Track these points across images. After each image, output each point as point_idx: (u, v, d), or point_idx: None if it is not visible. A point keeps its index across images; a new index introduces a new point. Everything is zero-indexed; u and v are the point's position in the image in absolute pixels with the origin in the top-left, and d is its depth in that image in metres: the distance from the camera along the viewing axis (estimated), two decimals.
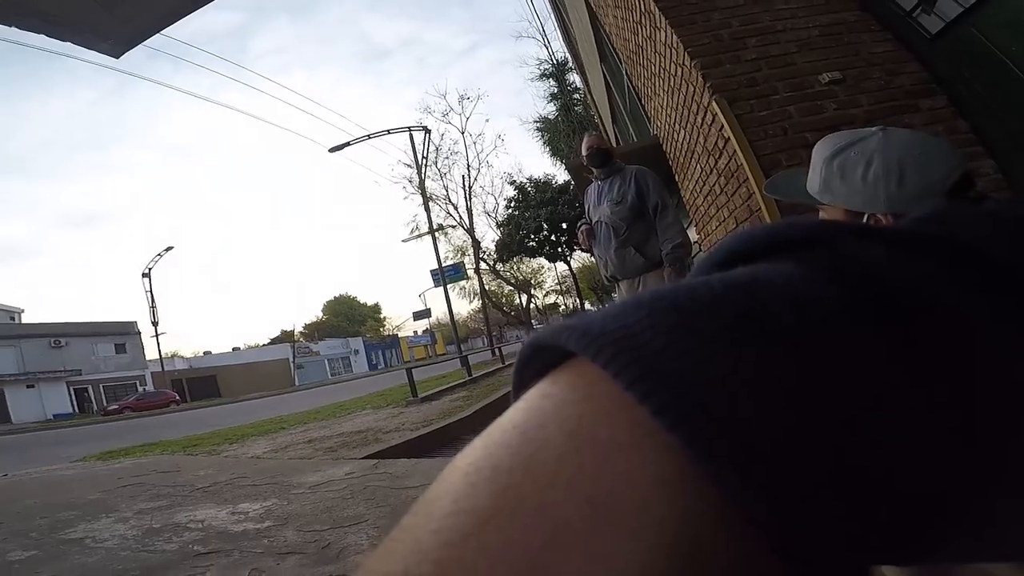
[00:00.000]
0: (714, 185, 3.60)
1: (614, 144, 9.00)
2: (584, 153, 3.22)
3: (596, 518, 0.12)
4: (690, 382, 0.13)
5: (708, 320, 0.15)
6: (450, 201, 26.06)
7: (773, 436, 0.13)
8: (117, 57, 4.28)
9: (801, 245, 0.20)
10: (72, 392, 32.50)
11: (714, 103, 2.95)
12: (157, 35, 4.32)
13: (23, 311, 41.10)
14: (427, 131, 20.27)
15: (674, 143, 4.43)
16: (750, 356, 0.14)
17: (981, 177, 2.49)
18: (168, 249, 36.45)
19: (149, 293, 33.96)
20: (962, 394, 0.16)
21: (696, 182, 4.11)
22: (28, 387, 30.65)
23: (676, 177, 4.77)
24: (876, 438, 0.14)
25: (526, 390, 0.17)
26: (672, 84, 3.73)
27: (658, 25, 3.47)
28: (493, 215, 27.16)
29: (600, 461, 0.13)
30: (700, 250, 4.85)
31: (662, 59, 3.73)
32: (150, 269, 34.76)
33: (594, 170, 3.23)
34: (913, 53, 2.83)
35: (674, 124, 4.15)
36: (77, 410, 31.80)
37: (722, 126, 2.94)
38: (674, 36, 3.22)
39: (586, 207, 3.34)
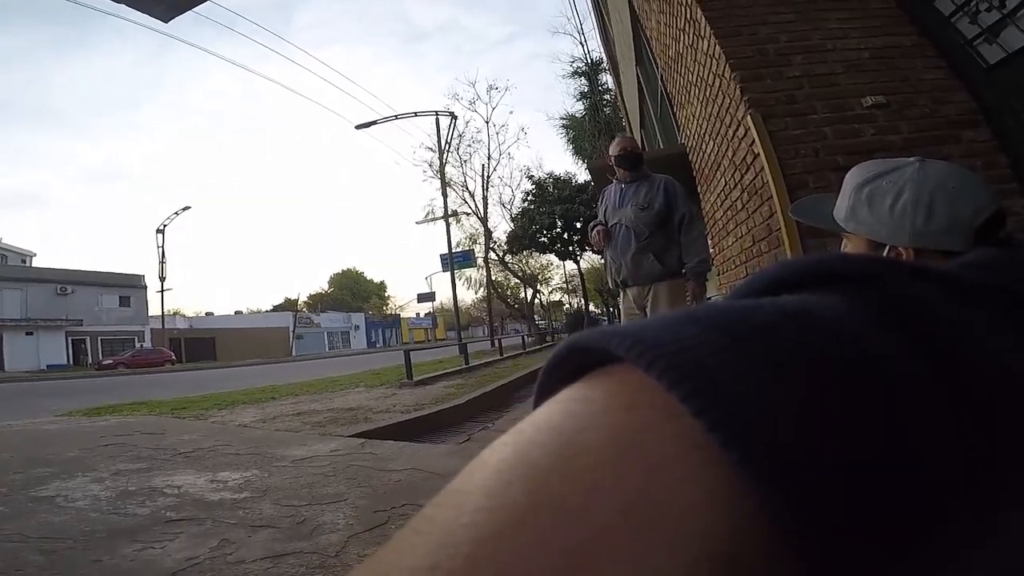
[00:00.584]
0: (736, 200, 3.52)
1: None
2: (615, 153, 3.14)
3: (636, 526, 0.12)
4: (743, 402, 0.14)
5: (760, 344, 0.15)
6: (467, 188, 26.03)
7: (817, 463, 0.13)
8: (167, 22, 4.26)
9: (849, 279, 0.20)
10: (70, 342, 32.33)
11: (748, 117, 2.87)
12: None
13: (35, 255, 41.54)
14: (453, 117, 20.27)
15: (701, 154, 4.34)
16: (799, 384, 0.15)
17: (1011, 216, 2.41)
18: (185, 208, 36.49)
19: (161, 249, 34.01)
20: (993, 433, 0.17)
21: (718, 195, 4.03)
22: (27, 334, 30.44)
23: (698, 188, 4.69)
24: (913, 474, 0.15)
25: (554, 392, 0.17)
26: (708, 94, 3.64)
27: (702, 34, 3.38)
28: (508, 207, 27.10)
29: (643, 469, 0.13)
30: (712, 264, 4.77)
31: (701, 68, 3.63)
32: (165, 226, 34.81)
33: (619, 171, 3.15)
34: (964, 82, 2.73)
35: (704, 135, 4.06)
36: (72, 362, 31.61)
37: (753, 141, 2.86)
38: (717, 46, 3.13)
39: (602, 208, 3.26)
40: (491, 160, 26.56)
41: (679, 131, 5.49)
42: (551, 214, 23.83)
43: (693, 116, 4.32)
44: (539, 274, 35.47)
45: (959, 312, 0.20)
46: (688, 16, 3.62)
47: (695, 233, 2.98)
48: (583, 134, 25.72)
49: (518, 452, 0.14)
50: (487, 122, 27.05)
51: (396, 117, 20.10)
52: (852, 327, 0.17)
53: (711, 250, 4.52)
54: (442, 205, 20.28)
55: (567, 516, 0.12)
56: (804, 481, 0.13)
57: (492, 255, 26.19)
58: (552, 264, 35.78)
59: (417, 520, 0.13)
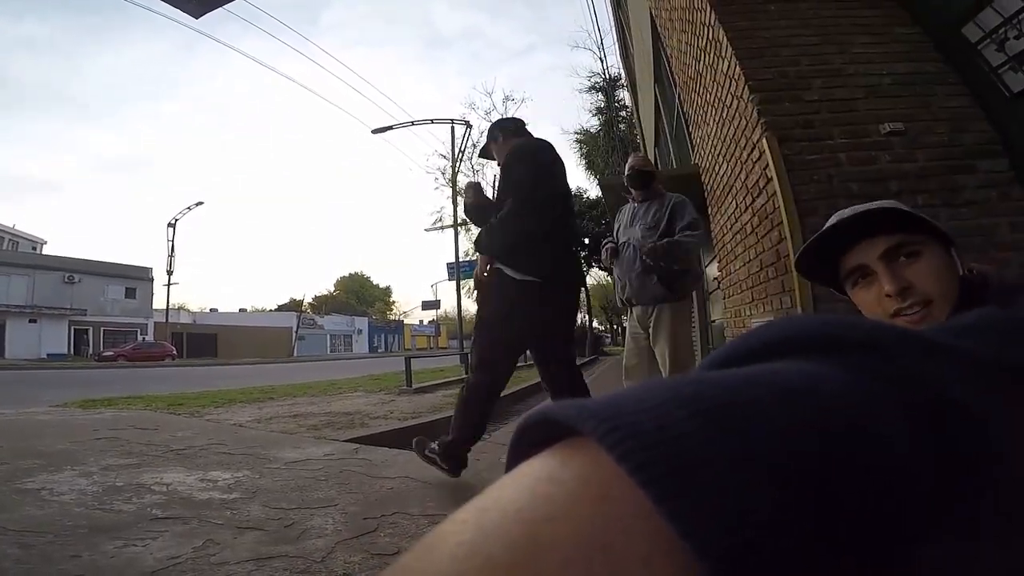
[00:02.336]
0: (746, 224, 3.48)
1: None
2: (626, 172, 3.10)
3: None
4: (721, 511, 0.13)
5: (748, 435, 0.15)
6: None
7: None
8: (197, 17, 4.27)
9: (855, 348, 0.20)
10: (72, 332, 32.23)
11: (764, 140, 2.84)
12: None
13: (46, 242, 41.91)
14: (468, 126, 20.34)
15: (714, 175, 4.32)
16: (794, 486, 0.14)
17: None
18: (198, 204, 36.63)
19: (171, 242, 34.12)
20: (978, 517, 0.17)
21: (728, 218, 4.00)
22: (31, 321, 30.34)
23: (709, 210, 4.66)
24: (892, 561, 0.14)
25: (526, 456, 0.16)
26: (724, 115, 3.62)
27: (722, 55, 3.37)
28: None
29: (609, 571, 0.12)
30: (718, 287, 4.73)
31: (720, 89, 3.62)
32: (176, 220, 34.95)
33: (632, 191, 3.12)
34: (985, 111, 2.69)
35: (718, 156, 4.04)
36: (73, 352, 31.46)
37: (767, 164, 2.83)
38: (737, 68, 3.11)
39: (616, 226, 3.23)
40: None
41: (693, 151, 5.47)
42: None
43: (708, 137, 4.30)
44: None
45: (967, 393, 0.19)
46: (710, 36, 3.61)
47: (700, 231, 2.89)
48: (596, 150, 25.67)
49: (478, 539, 0.13)
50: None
51: (413, 123, 20.17)
52: (859, 406, 0.16)
53: (718, 273, 4.49)
54: (451, 213, 20.31)
55: None
56: None
57: None
58: None
59: None
